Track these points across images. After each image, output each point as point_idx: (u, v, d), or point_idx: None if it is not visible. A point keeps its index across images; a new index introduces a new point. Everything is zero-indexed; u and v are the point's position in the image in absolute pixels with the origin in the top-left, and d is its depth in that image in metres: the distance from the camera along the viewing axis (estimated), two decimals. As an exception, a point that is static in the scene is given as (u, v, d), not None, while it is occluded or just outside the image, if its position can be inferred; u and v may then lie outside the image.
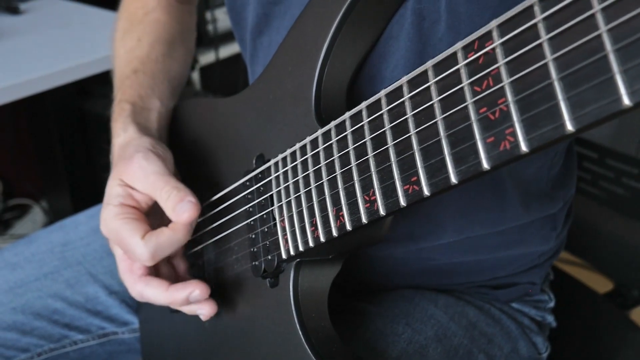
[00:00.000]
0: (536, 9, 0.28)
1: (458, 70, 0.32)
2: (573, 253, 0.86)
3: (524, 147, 0.29)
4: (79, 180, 1.57)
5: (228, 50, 1.66)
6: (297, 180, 0.45)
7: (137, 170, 0.52)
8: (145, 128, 0.59)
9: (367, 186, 0.38)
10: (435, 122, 0.33)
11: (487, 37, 0.30)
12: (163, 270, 0.57)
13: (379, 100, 0.38)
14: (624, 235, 0.82)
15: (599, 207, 0.84)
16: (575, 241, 0.76)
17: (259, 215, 0.49)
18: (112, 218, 0.51)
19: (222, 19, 1.60)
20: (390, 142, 0.36)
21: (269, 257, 0.47)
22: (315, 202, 0.43)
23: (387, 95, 0.37)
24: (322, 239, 0.42)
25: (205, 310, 0.53)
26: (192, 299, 0.51)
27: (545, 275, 0.67)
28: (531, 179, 0.57)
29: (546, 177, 0.59)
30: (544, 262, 0.64)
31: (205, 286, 0.51)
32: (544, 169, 0.58)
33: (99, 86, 1.42)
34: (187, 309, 0.53)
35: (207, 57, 1.64)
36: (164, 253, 0.50)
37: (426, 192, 0.34)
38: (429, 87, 0.34)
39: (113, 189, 0.53)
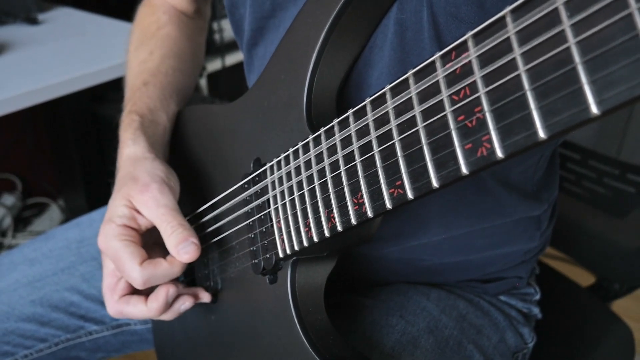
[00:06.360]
0: (508, 21, 0.28)
1: (437, 80, 0.32)
2: (558, 249, 0.86)
3: (499, 154, 0.29)
4: (93, 179, 1.57)
5: (233, 58, 1.66)
6: (291, 184, 0.45)
7: (149, 199, 0.51)
8: (153, 143, 0.59)
9: (355, 190, 0.38)
10: (417, 130, 0.33)
11: (464, 48, 0.30)
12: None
13: (364, 109, 0.38)
14: (605, 232, 0.82)
15: (582, 205, 0.84)
16: (560, 237, 0.76)
17: (257, 216, 0.49)
18: (113, 237, 0.50)
19: (227, 28, 1.61)
20: (375, 149, 0.36)
21: (268, 256, 0.48)
22: (308, 205, 0.43)
23: (372, 104, 0.37)
24: (315, 239, 0.42)
25: (190, 303, 0.54)
26: (170, 297, 0.52)
27: (532, 270, 0.67)
28: (517, 180, 0.57)
29: (531, 180, 0.59)
30: (530, 259, 0.64)
31: (172, 284, 0.52)
32: (529, 172, 0.58)
33: (111, 92, 1.43)
34: (175, 310, 0.54)
35: (214, 65, 1.64)
36: (156, 282, 0.50)
37: (410, 195, 0.34)
38: (410, 97, 0.34)
39: (119, 209, 0.52)
